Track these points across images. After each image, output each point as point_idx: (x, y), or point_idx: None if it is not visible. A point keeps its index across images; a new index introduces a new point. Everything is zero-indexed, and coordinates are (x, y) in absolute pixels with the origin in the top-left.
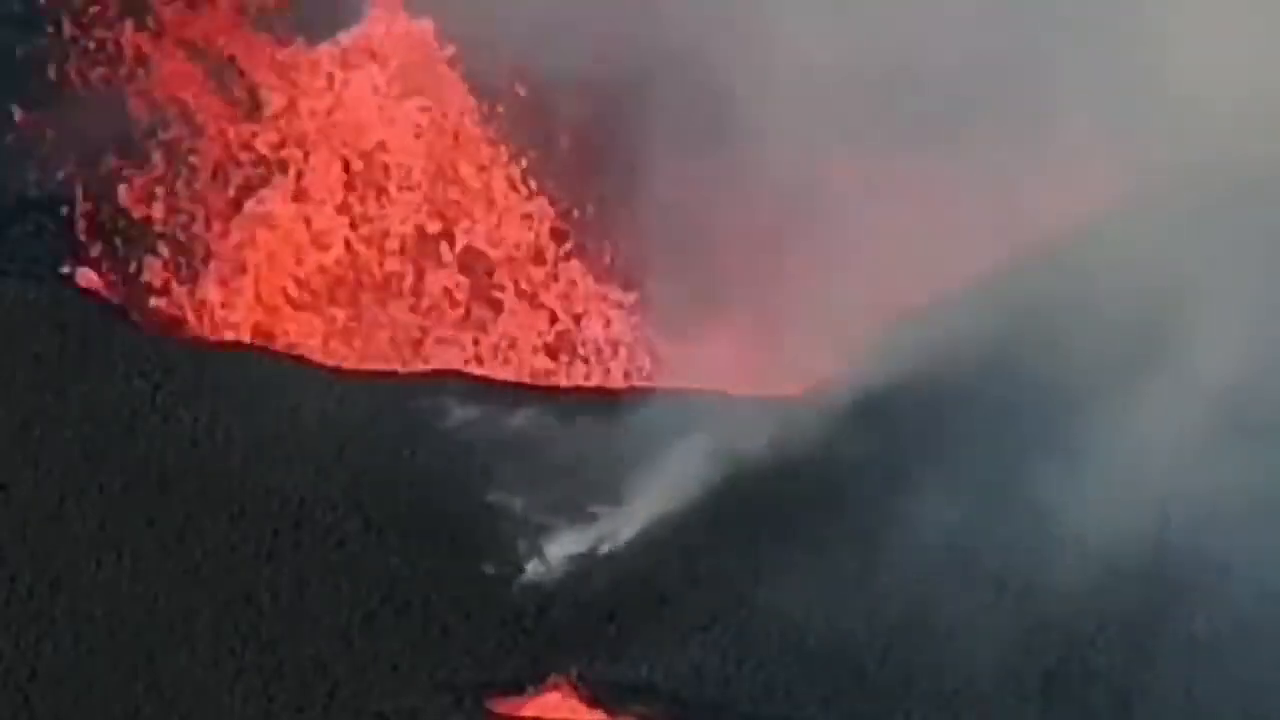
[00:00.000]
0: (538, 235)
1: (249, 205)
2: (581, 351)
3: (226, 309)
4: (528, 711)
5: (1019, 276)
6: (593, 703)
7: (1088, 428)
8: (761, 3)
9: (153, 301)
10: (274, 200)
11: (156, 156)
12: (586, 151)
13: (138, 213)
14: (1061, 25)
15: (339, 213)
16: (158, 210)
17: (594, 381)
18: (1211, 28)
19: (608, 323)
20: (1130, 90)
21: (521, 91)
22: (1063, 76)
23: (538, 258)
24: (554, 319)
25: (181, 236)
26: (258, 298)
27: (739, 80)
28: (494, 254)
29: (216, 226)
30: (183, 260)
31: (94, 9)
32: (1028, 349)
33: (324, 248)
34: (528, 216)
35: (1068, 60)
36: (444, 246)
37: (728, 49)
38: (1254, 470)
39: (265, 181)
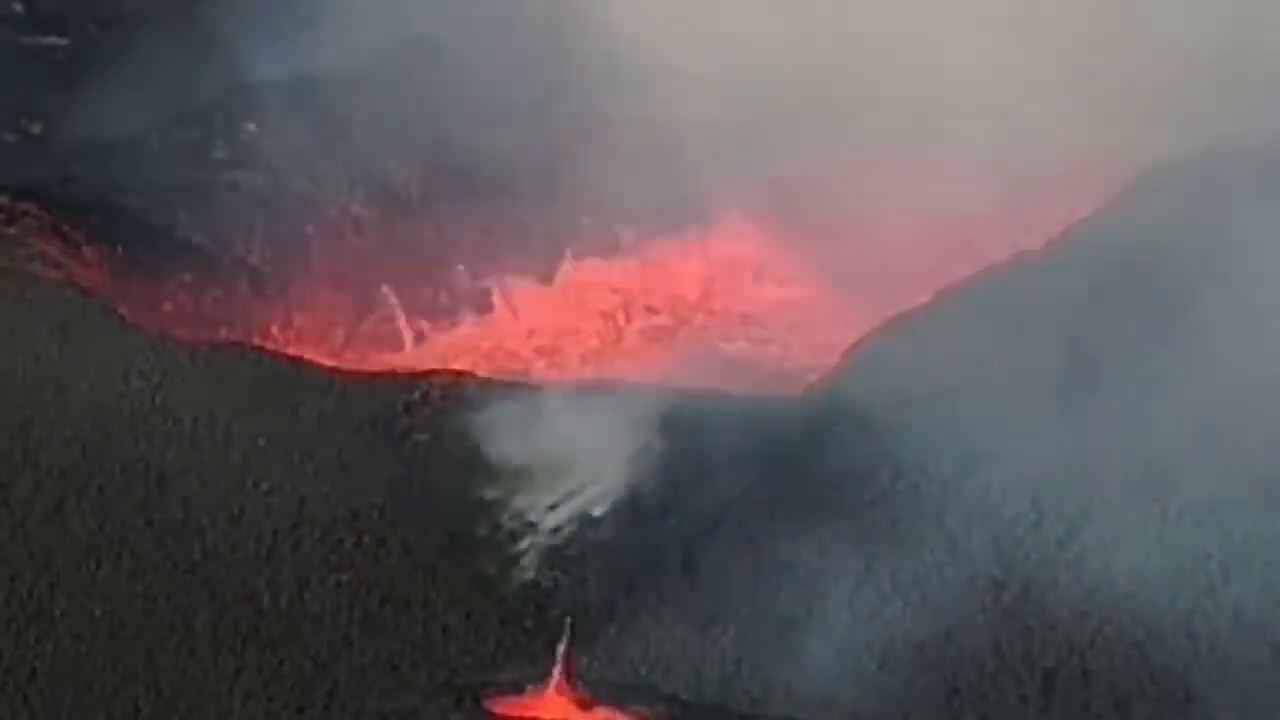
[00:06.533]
0: None
1: None
2: None
3: None
4: (528, 711)
5: (1017, 279)
6: (593, 703)
7: (1085, 428)
8: None
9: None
10: None
11: None
12: None
13: None
14: None
15: None
16: None
17: None
18: None
19: None
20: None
21: None
22: None
23: None
24: None
25: None
26: None
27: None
28: None
29: None
30: None
31: None
32: (1024, 349)
33: None
34: None
35: None
36: None
37: None
38: (1251, 465)
39: None
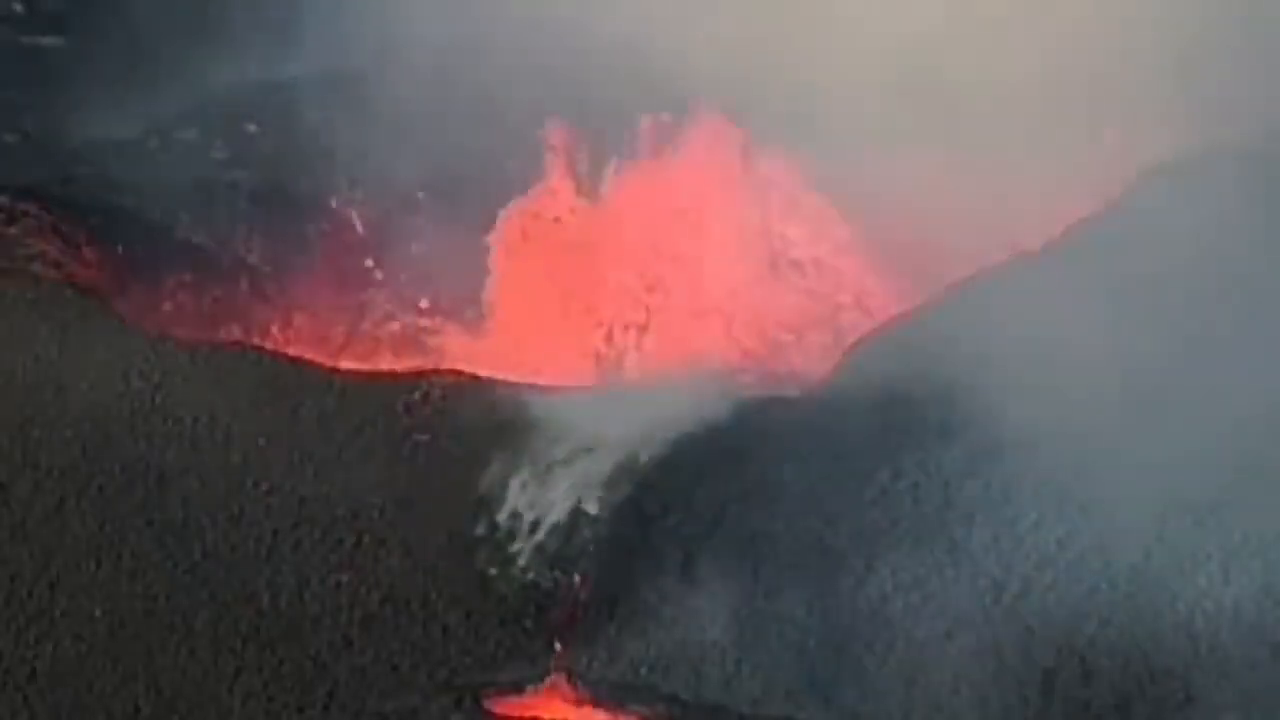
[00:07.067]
0: None
1: None
2: None
3: None
4: (528, 711)
5: (1016, 279)
6: (593, 703)
7: (1085, 427)
8: None
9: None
10: None
11: None
12: None
13: None
14: None
15: None
16: None
17: None
18: None
19: None
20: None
21: None
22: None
23: None
24: None
25: None
26: None
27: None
28: None
29: None
30: None
31: None
32: (1023, 348)
33: None
34: None
35: None
36: None
37: None
38: (1252, 465)
39: None
